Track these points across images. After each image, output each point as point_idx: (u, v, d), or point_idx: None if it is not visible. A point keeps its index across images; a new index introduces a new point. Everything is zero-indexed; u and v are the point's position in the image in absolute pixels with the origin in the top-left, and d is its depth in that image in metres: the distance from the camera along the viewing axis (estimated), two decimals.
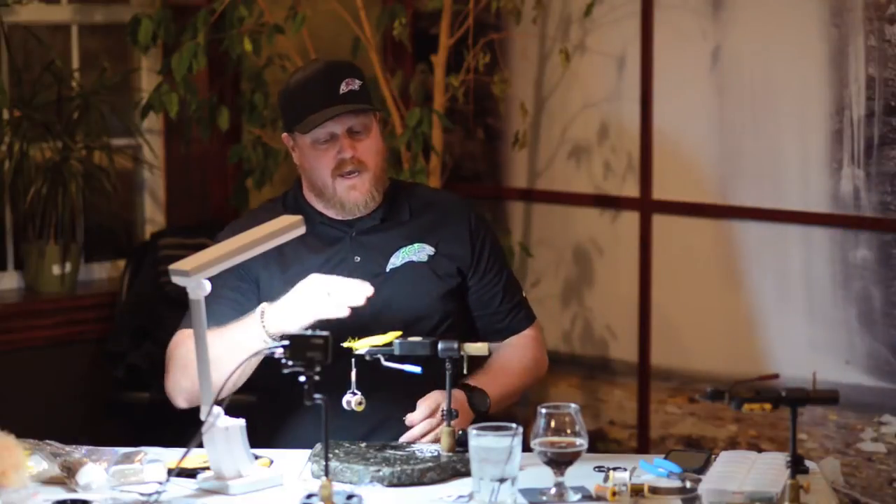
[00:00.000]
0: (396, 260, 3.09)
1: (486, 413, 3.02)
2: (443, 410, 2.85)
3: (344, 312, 2.81)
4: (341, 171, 3.05)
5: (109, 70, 4.78)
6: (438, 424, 2.91)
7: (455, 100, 4.73)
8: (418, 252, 3.11)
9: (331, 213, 3.12)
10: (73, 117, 4.69)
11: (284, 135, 3.16)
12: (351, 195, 3.06)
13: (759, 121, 4.45)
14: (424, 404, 2.94)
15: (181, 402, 2.98)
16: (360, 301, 2.82)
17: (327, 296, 2.82)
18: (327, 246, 3.09)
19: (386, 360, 2.84)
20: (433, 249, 3.12)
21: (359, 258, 3.08)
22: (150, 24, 4.40)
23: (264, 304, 2.89)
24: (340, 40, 4.80)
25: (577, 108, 4.86)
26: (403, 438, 2.94)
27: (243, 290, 3.07)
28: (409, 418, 2.94)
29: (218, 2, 4.47)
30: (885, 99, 4.18)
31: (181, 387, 2.97)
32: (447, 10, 4.67)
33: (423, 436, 2.93)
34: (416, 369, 2.88)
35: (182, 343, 3.00)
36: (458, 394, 2.95)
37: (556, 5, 4.86)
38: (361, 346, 2.85)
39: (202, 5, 4.56)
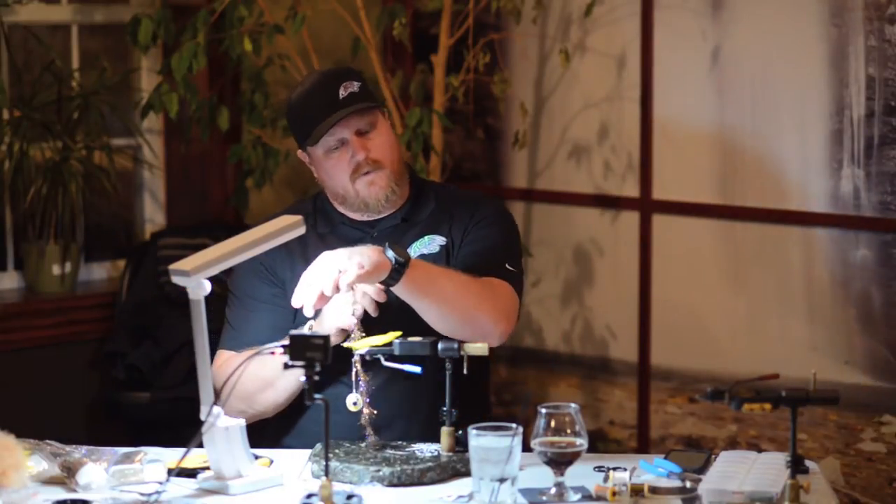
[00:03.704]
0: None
1: (404, 265, 2.81)
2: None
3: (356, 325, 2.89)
4: (359, 173, 3.05)
5: (109, 70, 4.78)
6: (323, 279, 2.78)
7: (455, 100, 4.73)
8: (429, 244, 3.10)
9: (355, 216, 3.12)
10: (73, 117, 4.69)
11: (299, 152, 3.16)
12: (371, 191, 3.05)
13: (759, 121, 4.45)
14: (304, 275, 2.81)
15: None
16: (373, 305, 2.87)
17: (351, 305, 2.87)
18: (349, 247, 3.09)
19: (386, 360, 2.84)
20: (444, 240, 3.11)
21: None
22: (150, 24, 4.40)
23: (311, 321, 2.93)
24: (340, 40, 4.80)
25: (577, 108, 4.86)
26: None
27: (277, 294, 3.11)
28: (295, 302, 2.82)
29: (218, 2, 4.47)
30: (885, 99, 4.18)
31: (237, 409, 2.97)
32: (447, 10, 4.67)
33: (316, 296, 2.79)
34: (416, 369, 2.88)
35: (226, 367, 3.01)
36: (365, 248, 2.80)
37: (556, 5, 4.86)
38: (361, 346, 2.85)
39: (202, 5, 4.57)
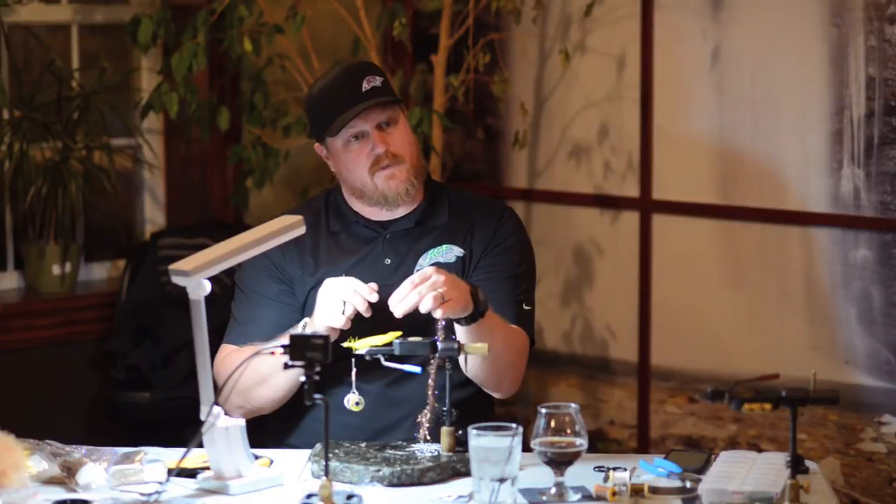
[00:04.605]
0: (424, 262, 3.07)
1: (482, 315, 2.86)
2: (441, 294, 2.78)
3: (346, 325, 2.87)
4: (378, 166, 3.05)
5: (109, 70, 4.78)
6: (429, 291, 2.78)
7: (455, 100, 4.73)
8: (445, 253, 3.09)
9: (368, 213, 3.12)
10: (73, 117, 4.69)
11: (317, 145, 3.15)
12: (391, 184, 3.05)
13: (759, 121, 4.45)
14: (409, 278, 2.83)
15: (238, 417, 2.96)
16: (364, 305, 2.85)
17: (342, 304, 2.86)
18: (361, 246, 3.09)
19: (386, 360, 2.84)
20: (462, 251, 3.10)
21: (389, 260, 3.08)
22: (150, 24, 4.40)
23: (306, 319, 2.94)
24: (340, 40, 4.80)
25: (577, 108, 4.86)
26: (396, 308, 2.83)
27: (284, 291, 3.10)
28: (392, 301, 2.82)
29: (218, 2, 4.47)
30: (885, 99, 4.19)
31: (235, 404, 2.99)
32: (447, 10, 4.67)
33: (415, 304, 2.79)
34: (417, 369, 2.87)
35: (228, 361, 3.02)
36: (462, 283, 2.85)
37: (556, 5, 4.86)
38: (361, 346, 2.85)
39: (202, 5, 4.57)
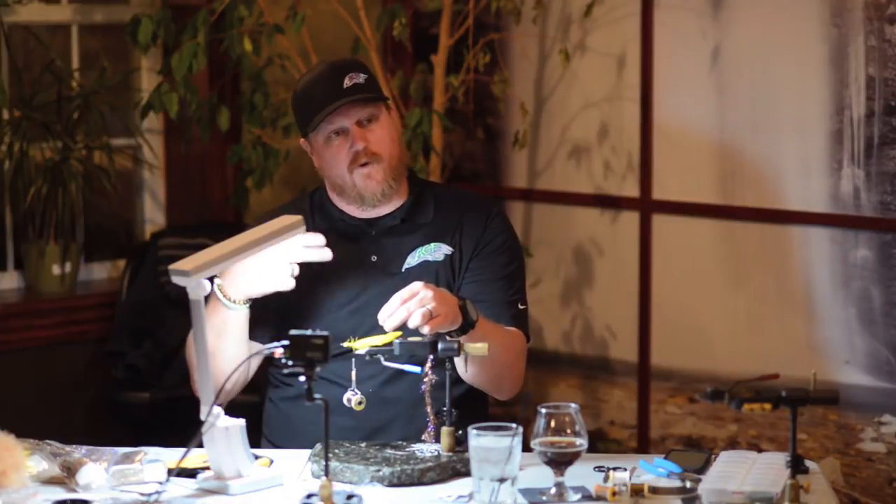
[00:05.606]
0: (412, 260, 3.08)
1: (472, 326, 2.85)
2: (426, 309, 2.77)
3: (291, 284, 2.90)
4: (356, 163, 3.05)
5: (109, 70, 4.79)
6: (417, 307, 2.77)
7: (455, 100, 4.73)
8: (434, 252, 3.10)
9: (353, 211, 3.12)
10: (73, 117, 4.69)
11: (302, 140, 3.16)
12: (368, 184, 3.06)
13: (759, 121, 4.45)
14: (397, 293, 2.82)
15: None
16: (323, 254, 2.88)
17: (290, 267, 2.89)
18: (347, 244, 3.09)
19: (386, 360, 2.84)
20: (451, 249, 3.10)
21: (376, 258, 3.08)
22: (150, 24, 4.40)
23: (217, 280, 2.94)
24: (340, 40, 4.80)
25: (577, 108, 4.86)
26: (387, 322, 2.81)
27: None
28: (381, 315, 2.81)
29: (218, 2, 4.47)
30: (885, 99, 4.19)
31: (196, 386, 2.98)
32: (447, 10, 4.67)
33: (404, 319, 2.78)
34: (416, 369, 2.87)
35: (189, 342, 3.01)
36: (450, 297, 2.84)
37: (556, 5, 4.86)
38: (361, 345, 2.85)
39: (202, 5, 4.57)
